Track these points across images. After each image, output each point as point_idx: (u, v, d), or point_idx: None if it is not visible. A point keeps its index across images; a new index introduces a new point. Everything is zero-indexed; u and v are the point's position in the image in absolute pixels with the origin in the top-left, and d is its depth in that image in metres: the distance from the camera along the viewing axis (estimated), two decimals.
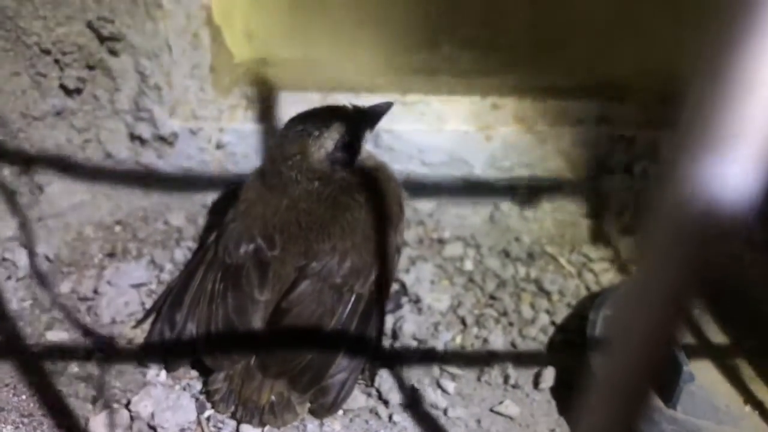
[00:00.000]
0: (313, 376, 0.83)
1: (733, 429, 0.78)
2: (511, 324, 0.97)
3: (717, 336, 0.89)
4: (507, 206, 1.13)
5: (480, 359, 0.92)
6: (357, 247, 0.88)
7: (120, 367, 0.88)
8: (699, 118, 0.24)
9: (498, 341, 0.94)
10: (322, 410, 0.84)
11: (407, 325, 0.95)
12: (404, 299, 1.00)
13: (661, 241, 0.25)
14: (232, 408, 0.83)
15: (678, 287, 0.25)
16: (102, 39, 1.00)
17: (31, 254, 0.98)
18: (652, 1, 1.06)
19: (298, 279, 0.86)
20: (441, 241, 1.10)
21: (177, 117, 1.07)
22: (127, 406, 0.83)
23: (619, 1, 1.08)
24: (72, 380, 0.86)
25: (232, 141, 1.09)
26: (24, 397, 0.84)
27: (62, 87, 1.01)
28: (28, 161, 1.00)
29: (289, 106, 1.05)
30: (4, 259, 0.96)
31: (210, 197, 1.13)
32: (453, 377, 0.90)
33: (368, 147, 1.00)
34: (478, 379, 0.90)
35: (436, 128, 1.09)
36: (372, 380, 0.88)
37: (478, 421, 0.84)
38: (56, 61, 0.99)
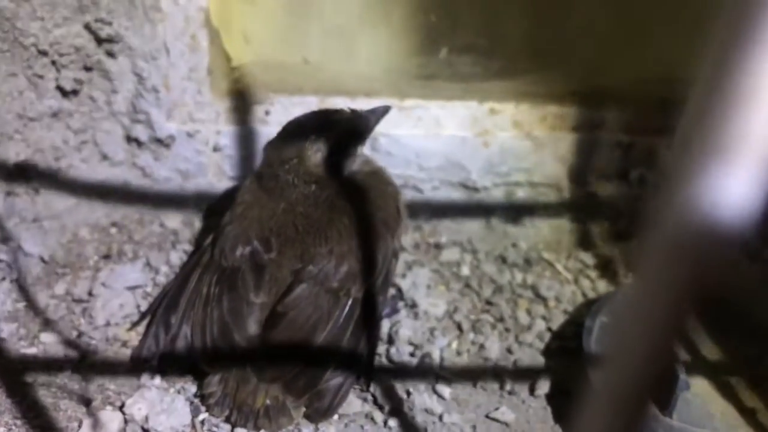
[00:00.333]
0: (309, 381, 0.83)
1: None
2: (507, 330, 0.97)
3: (712, 344, 0.89)
4: (503, 212, 1.13)
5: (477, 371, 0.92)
6: (354, 251, 0.88)
7: (114, 370, 0.88)
8: (699, 129, 0.24)
9: (494, 347, 0.94)
10: (317, 415, 0.83)
11: (403, 330, 0.95)
12: (400, 304, 1.00)
13: (660, 254, 0.25)
14: (227, 412, 0.82)
15: (677, 301, 0.25)
16: (99, 41, 0.99)
17: (24, 256, 0.98)
18: (650, 8, 1.07)
19: (294, 282, 0.86)
20: (438, 246, 1.10)
21: (174, 119, 1.07)
22: (121, 408, 0.82)
23: (618, 9, 1.08)
24: (66, 381, 0.86)
25: (229, 144, 1.09)
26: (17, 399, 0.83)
27: (59, 88, 1.01)
28: (24, 162, 1.00)
29: (287, 110, 1.05)
30: (0, 261, 0.95)
31: (206, 200, 1.12)
32: (449, 382, 0.90)
33: (366, 151, 1.00)
34: (474, 385, 0.90)
35: (434, 133, 1.09)
36: (367, 385, 0.87)
37: (474, 427, 0.84)
38: (53, 63, 0.99)
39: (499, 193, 1.13)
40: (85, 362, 0.89)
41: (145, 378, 0.87)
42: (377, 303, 0.90)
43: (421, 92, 1.10)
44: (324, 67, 1.14)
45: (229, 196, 1.09)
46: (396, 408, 0.85)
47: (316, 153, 0.92)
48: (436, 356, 0.92)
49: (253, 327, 0.84)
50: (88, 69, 1.01)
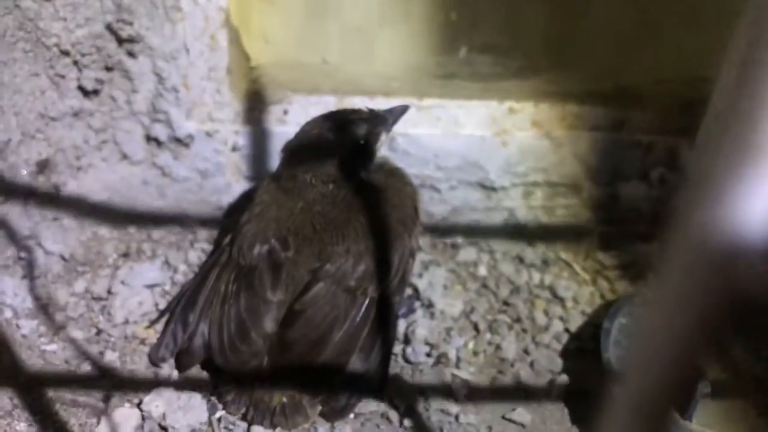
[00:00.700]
0: (325, 379, 0.83)
1: None
2: (524, 330, 0.97)
3: (732, 346, 0.88)
4: (522, 211, 1.13)
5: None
6: (371, 250, 0.88)
7: (132, 367, 0.89)
8: (724, 132, 0.23)
9: (511, 348, 0.94)
10: (333, 414, 0.83)
11: (420, 330, 0.95)
12: (417, 304, 0.99)
13: (683, 263, 0.24)
14: (243, 409, 0.83)
15: (701, 312, 0.24)
16: (120, 41, 1.00)
17: (45, 253, 0.99)
18: (671, 6, 1.06)
19: (311, 281, 0.86)
20: (454, 246, 1.10)
21: (193, 119, 1.07)
22: (138, 405, 0.83)
23: (638, 7, 1.07)
24: (85, 378, 0.86)
25: (248, 143, 1.10)
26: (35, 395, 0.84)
27: (80, 88, 1.02)
28: (45, 161, 1.01)
29: (305, 110, 1.06)
30: (20, 258, 0.96)
31: (225, 199, 1.13)
32: (465, 383, 0.89)
33: (383, 151, 1.00)
34: (491, 386, 0.89)
35: (452, 132, 1.09)
36: (383, 385, 0.87)
37: (490, 428, 0.84)
38: (75, 63, 1.00)
39: (517, 193, 1.12)
40: (104, 359, 0.89)
41: (162, 376, 0.88)
42: (394, 302, 0.90)
43: (440, 91, 1.10)
44: (342, 67, 1.14)
45: (248, 195, 1.10)
46: (411, 408, 0.85)
47: (334, 152, 0.92)
48: (452, 356, 0.92)
49: (270, 325, 0.84)
50: (109, 69, 1.02)
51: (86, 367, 0.88)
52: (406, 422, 0.84)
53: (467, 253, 1.08)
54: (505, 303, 1.00)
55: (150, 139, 1.08)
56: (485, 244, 1.10)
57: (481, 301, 1.01)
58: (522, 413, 0.85)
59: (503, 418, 0.85)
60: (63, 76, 1.00)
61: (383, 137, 0.96)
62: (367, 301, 0.86)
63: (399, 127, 0.98)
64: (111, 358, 0.90)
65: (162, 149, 1.09)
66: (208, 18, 1.02)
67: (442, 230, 1.12)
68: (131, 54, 1.02)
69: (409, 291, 0.99)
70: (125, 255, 1.04)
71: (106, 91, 1.04)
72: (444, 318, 0.98)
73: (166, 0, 0.99)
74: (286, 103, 1.08)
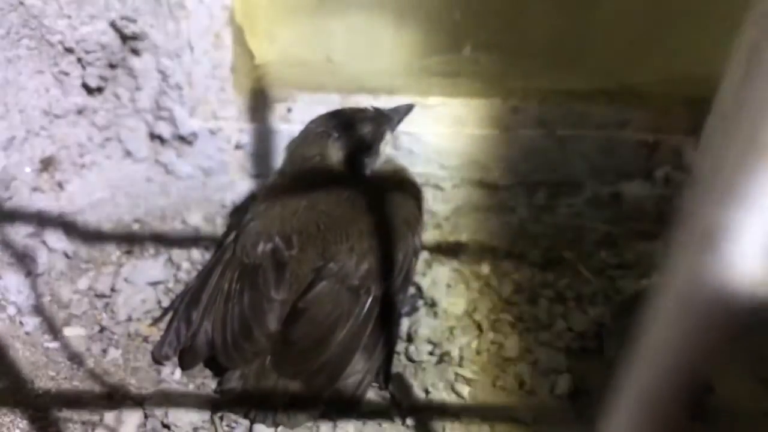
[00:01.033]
0: (328, 378, 0.83)
1: None
2: (527, 329, 0.96)
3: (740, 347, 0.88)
4: (525, 210, 1.13)
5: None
6: (375, 249, 0.88)
7: (135, 365, 0.89)
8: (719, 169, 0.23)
9: (514, 346, 0.93)
10: (336, 412, 0.83)
11: (422, 329, 0.95)
12: (420, 302, 0.99)
13: (679, 307, 0.24)
14: (246, 408, 0.83)
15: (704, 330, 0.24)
16: (125, 38, 1.00)
17: (49, 251, 0.99)
18: (676, 5, 1.05)
19: (315, 280, 0.86)
20: (458, 245, 1.09)
21: (197, 117, 1.07)
22: (141, 403, 0.83)
23: (643, 6, 1.07)
24: (87, 376, 0.87)
25: (251, 141, 1.10)
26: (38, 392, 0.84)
27: (84, 85, 1.02)
28: (49, 158, 1.01)
29: (309, 108, 1.06)
30: (24, 255, 0.96)
31: (229, 197, 1.13)
32: (468, 382, 0.89)
33: (388, 149, 0.99)
34: (493, 384, 0.89)
35: (456, 131, 1.09)
36: (386, 383, 0.87)
37: (492, 427, 0.83)
38: (79, 60, 1.00)
39: (521, 191, 1.12)
40: (107, 357, 0.90)
41: (165, 373, 0.88)
42: (397, 301, 0.89)
43: (444, 90, 1.10)
44: (347, 66, 1.14)
45: (252, 193, 1.10)
46: (414, 406, 0.85)
47: (338, 151, 0.92)
48: (455, 355, 0.92)
49: (273, 323, 0.84)
50: (112, 66, 1.02)
51: (89, 365, 0.88)
52: (409, 421, 0.84)
53: (470, 253, 1.08)
54: (508, 302, 1.00)
55: (154, 136, 1.08)
56: (488, 242, 1.09)
57: (484, 299, 1.01)
58: (525, 412, 0.85)
59: (506, 416, 0.85)
60: (67, 74, 1.00)
61: (388, 136, 0.96)
62: (370, 300, 0.86)
63: (403, 126, 0.98)
64: (114, 355, 0.90)
65: (166, 147, 1.09)
66: (213, 16, 1.02)
67: (445, 229, 1.12)
68: (135, 52, 1.02)
69: (412, 290, 0.99)
70: (128, 252, 1.04)
71: (110, 88, 1.04)
72: (447, 317, 0.97)
73: None
74: (290, 102, 1.08)
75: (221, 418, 0.83)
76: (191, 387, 0.87)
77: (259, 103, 1.08)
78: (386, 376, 0.87)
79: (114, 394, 0.84)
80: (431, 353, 0.92)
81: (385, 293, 0.87)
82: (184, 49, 1.02)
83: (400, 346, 0.93)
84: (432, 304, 0.99)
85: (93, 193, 1.07)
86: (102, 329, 0.93)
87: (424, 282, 1.01)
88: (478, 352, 0.93)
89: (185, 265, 1.02)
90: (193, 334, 0.88)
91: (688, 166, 1.08)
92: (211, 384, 0.87)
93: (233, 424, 0.82)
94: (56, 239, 1.00)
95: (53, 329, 0.92)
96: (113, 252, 1.04)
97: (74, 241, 1.03)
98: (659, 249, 1.05)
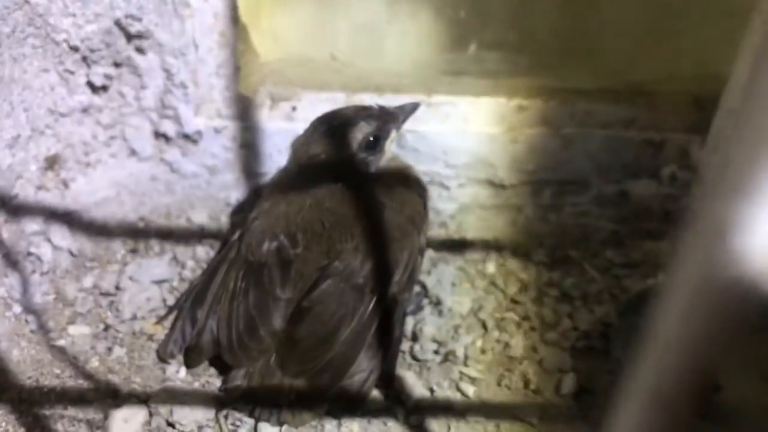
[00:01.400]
0: (333, 376, 0.83)
1: None
2: (532, 329, 0.96)
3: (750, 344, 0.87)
4: (531, 209, 1.12)
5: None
6: (380, 247, 0.88)
7: (140, 363, 0.89)
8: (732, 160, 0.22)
9: (519, 346, 0.93)
10: (340, 410, 0.83)
11: (427, 328, 0.94)
12: (425, 301, 0.99)
13: (688, 300, 0.24)
14: (251, 406, 0.83)
15: (713, 325, 0.24)
16: (129, 37, 1.00)
17: (54, 249, 0.99)
18: (681, 3, 1.05)
19: (320, 278, 0.85)
20: (463, 244, 1.09)
21: (202, 115, 1.07)
22: (145, 402, 0.83)
23: (649, 4, 1.07)
24: (92, 374, 0.87)
25: (257, 140, 1.10)
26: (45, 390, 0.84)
27: (89, 84, 1.02)
28: (54, 157, 1.01)
29: (314, 106, 1.05)
30: (29, 254, 0.97)
31: (233, 195, 1.13)
32: (472, 381, 0.89)
33: (393, 148, 0.99)
34: (498, 384, 0.89)
35: (462, 129, 1.09)
36: (391, 382, 0.87)
37: (497, 426, 0.83)
38: (84, 59, 1.00)
39: (526, 190, 1.12)
40: (111, 355, 0.90)
41: (170, 372, 0.88)
42: (402, 300, 0.89)
43: (450, 88, 1.10)
44: (352, 64, 1.14)
45: (256, 191, 1.10)
46: (418, 405, 0.85)
47: (343, 150, 0.91)
48: (460, 354, 0.92)
49: (278, 322, 0.84)
50: (117, 65, 1.02)
51: (94, 363, 0.88)
52: (413, 420, 0.83)
53: (476, 251, 1.08)
54: (514, 301, 1.00)
55: (158, 135, 1.08)
56: (494, 241, 1.09)
57: (490, 298, 1.01)
58: (530, 411, 0.85)
59: (511, 416, 0.85)
60: (72, 72, 1.00)
61: (393, 134, 0.95)
62: (375, 299, 0.86)
63: (408, 124, 0.98)
64: (119, 353, 0.90)
65: (170, 145, 1.09)
66: (217, 14, 1.01)
67: (450, 227, 1.12)
68: (140, 50, 1.02)
69: (417, 288, 0.99)
70: (133, 251, 1.04)
71: (115, 87, 1.04)
72: (452, 315, 0.97)
73: None
74: (295, 100, 1.08)
75: (226, 417, 0.83)
76: (196, 385, 0.87)
77: (264, 102, 1.08)
78: (391, 374, 0.87)
79: (118, 393, 0.84)
80: (436, 352, 0.92)
81: (390, 292, 0.87)
82: (189, 47, 1.02)
83: (405, 345, 0.93)
84: (437, 303, 0.98)
85: (98, 191, 1.07)
86: (107, 327, 0.93)
87: (429, 280, 1.01)
88: (483, 351, 0.93)
89: (190, 263, 1.02)
90: (198, 332, 0.88)
91: (695, 164, 1.08)
92: (216, 382, 0.87)
93: (238, 423, 0.82)
94: (61, 237, 1.00)
95: (58, 328, 0.92)
96: (118, 250, 1.04)
97: (79, 240, 1.03)
98: (666, 248, 1.05)
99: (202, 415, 0.82)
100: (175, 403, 0.82)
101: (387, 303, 0.87)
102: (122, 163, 1.09)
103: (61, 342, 0.91)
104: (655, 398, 0.26)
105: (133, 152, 1.09)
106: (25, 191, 0.97)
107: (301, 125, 0.97)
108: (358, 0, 1.10)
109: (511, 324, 0.96)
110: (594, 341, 0.93)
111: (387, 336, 0.86)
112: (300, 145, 0.94)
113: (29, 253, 0.97)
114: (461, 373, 0.90)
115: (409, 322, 0.95)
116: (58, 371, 0.87)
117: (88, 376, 0.87)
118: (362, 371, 0.84)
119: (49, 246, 0.99)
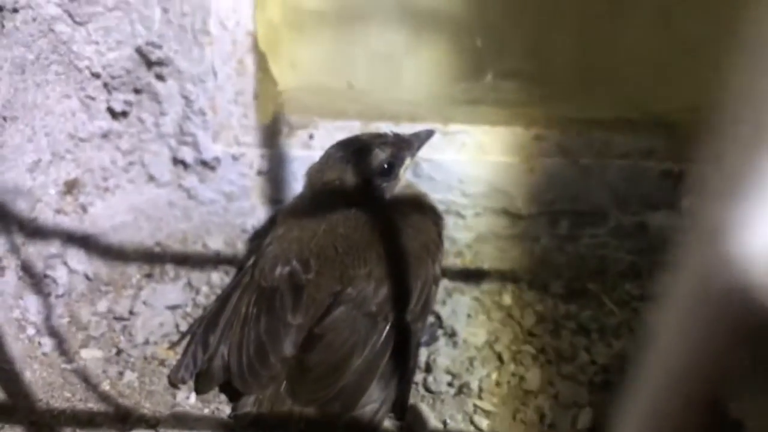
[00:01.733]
0: (344, 405, 0.82)
1: None
2: (549, 362, 0.94)
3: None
4: (548, 240, 1.11)
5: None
6: (394, 274, 0.87)
7: (150, 388, 0.88)
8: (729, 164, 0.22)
9: (535, 379, 0.91)
10: None
11: (441, 359, 0.93)
12: (439, 332, 0.98)
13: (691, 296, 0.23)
14: None
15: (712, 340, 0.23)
16: (150, 64, 1.02)
17: (70, 272, 1.00)
18: (701, 32, 1.04)
19: (332, 305, 0.85)
20: (479, 274, 1.08)
21: (220, 142, 1.08)
22: (155, 426, 0.82)
23: (667, 34, 1.06)
24: (103, 397, 0.86)
25: (273, 167, 1.10)
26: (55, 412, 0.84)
27: (109, 110, 1.04)
28: (73, 181, 1.02)
29: (330, 134, 1.06)
30: (46, 276, 0.97)
31: (250, 222, 1.13)
32: (487, 414, 0.87)
33: (408, 176, 0.99)
34: (513, 418, 0.87)
35: (478, 159, 1.08)
36: (403, 413, 0.86)
37: None
38: (105, 85, 1.01)
39: (543, 221, 1.11)
40: (123, 380, 0.89)
41: (180, 397, 0.87)
42: (416, 330, 0.88)
43: (466, 117, 1.09)
44: (368, 92, 1.14)
45: (272, 218, 1.10)
46: None
47: (356, 176, 0.91)
48: (474, 386, 0.90)
49: (289, 348, 0.83)
50: (137, 91, 1.04)
51: (105, 387, 0.88)
52: None
53: (492, 282, 1.06)
54: (530, 333, 0.98)
55: (177, 161, 1.09)
56: (510, 272, 1.08)
57: (506, 330, 0.99)
58: None
59: None
60: (93, 98, 1.01)
61: (408, 161, 0.95)
62: (388, 327, 0.85)
63: (424, 153, 0.98)
64: (130, 378, 0.89)
65: (188, 172, 1.10)
66: (236, 42, 1.03)
67: (466, 257, 1.11)
68: (160, 77, 1.03)
69: (431, 318, 0.98)
70: (148, 275, 1.04)
71: (135, 113, 1.05)
72: (467, 347, 0.96)
73: (195, 24, 1.00)
74: (312, 128, 1.09)
75: None
76: (206, 411, 0.86)
77: (281, 129, 1.09)
78: (403, 406, 0.86)
79: (128, 417, 0.84)
80: (450, 384, 0.91)
81: (404, 321, 0.86)
82: (208, 74, 1.03)
83: (418, 376, 0.91)
84: (452, 334, 0.97)
85: (116, 216, 1.08)
86: (119, 352, 0.93)
87: (444, 311, 1.00)
88: (498, 384, 0.92)
89: (204, 289, 1.02)
90: (210, 357, 0.88)
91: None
92: (226, 409, 0.86)
93: None
94: (77, 261, 1.01)
95: (70, 351, 0.92)
96: (133, 275, 1.04)
97: (95, 263, 1.03)
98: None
99: None
100: (184, 429, 0.82)
101: (400, 332, 0.85)
102: (140, 189, 1.10)
103: (74, 365, 0.91)
104: (657, 407, 0.25)
105: (151, 178, 1.10)
106: (44, 214, 0.98)
107: (318, 153, 0.97)
108: (376, 29, 1.11)
109: (527, 357, 0.95)
110: (612, 376, 0.91)
111: (400, 366, 0.85)
112: (315, 171, 0.94)
113: (46, 276, 0.97)
114: (475, 406, 0.88)
115: (423, 353, 0.94)
116: (69, 394, 0.87)
117: (98, 399, 0.86)
118: (374, 401, 0.82)
119: (66, 269, 0.99)
